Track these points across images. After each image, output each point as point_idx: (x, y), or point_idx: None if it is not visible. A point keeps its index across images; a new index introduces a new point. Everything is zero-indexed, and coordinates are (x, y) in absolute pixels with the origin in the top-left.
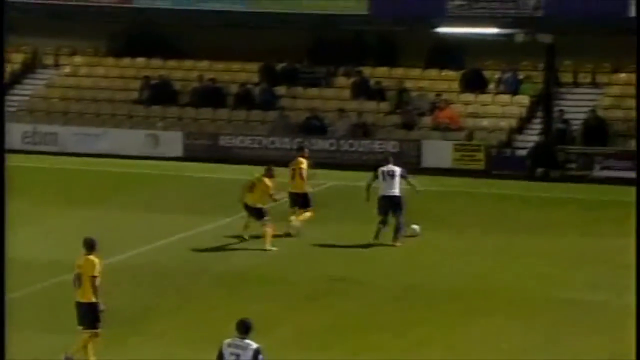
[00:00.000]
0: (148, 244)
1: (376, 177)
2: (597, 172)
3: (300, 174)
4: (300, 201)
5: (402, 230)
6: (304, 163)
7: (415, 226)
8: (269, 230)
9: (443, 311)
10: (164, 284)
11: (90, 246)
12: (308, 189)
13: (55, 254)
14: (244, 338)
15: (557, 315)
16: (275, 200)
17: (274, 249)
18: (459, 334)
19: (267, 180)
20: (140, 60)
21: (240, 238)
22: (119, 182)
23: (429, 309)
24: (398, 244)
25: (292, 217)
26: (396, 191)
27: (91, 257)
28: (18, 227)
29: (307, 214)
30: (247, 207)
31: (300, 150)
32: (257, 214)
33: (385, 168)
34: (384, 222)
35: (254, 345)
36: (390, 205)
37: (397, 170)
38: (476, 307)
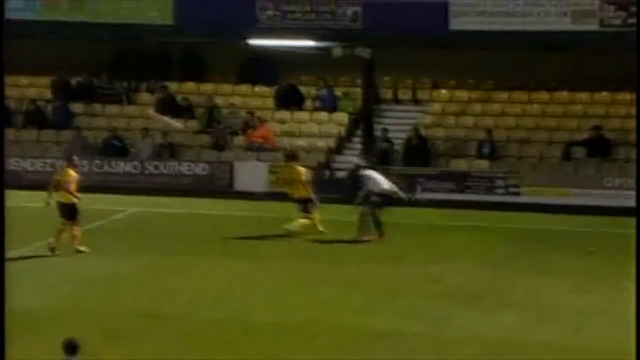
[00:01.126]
0: None
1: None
2: (418, 195)
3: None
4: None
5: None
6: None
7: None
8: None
9: (251, 349)
10: None
11: None
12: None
13: None
14: None
15: (375, 348)
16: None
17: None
18: None
19: (298, 168)
20: None
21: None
22: None
23: (234, 347)
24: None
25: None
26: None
27: None
28: None
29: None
30: (295, 200)
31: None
32: (305, 204)
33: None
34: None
35: None
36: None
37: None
38: (289, 343)
